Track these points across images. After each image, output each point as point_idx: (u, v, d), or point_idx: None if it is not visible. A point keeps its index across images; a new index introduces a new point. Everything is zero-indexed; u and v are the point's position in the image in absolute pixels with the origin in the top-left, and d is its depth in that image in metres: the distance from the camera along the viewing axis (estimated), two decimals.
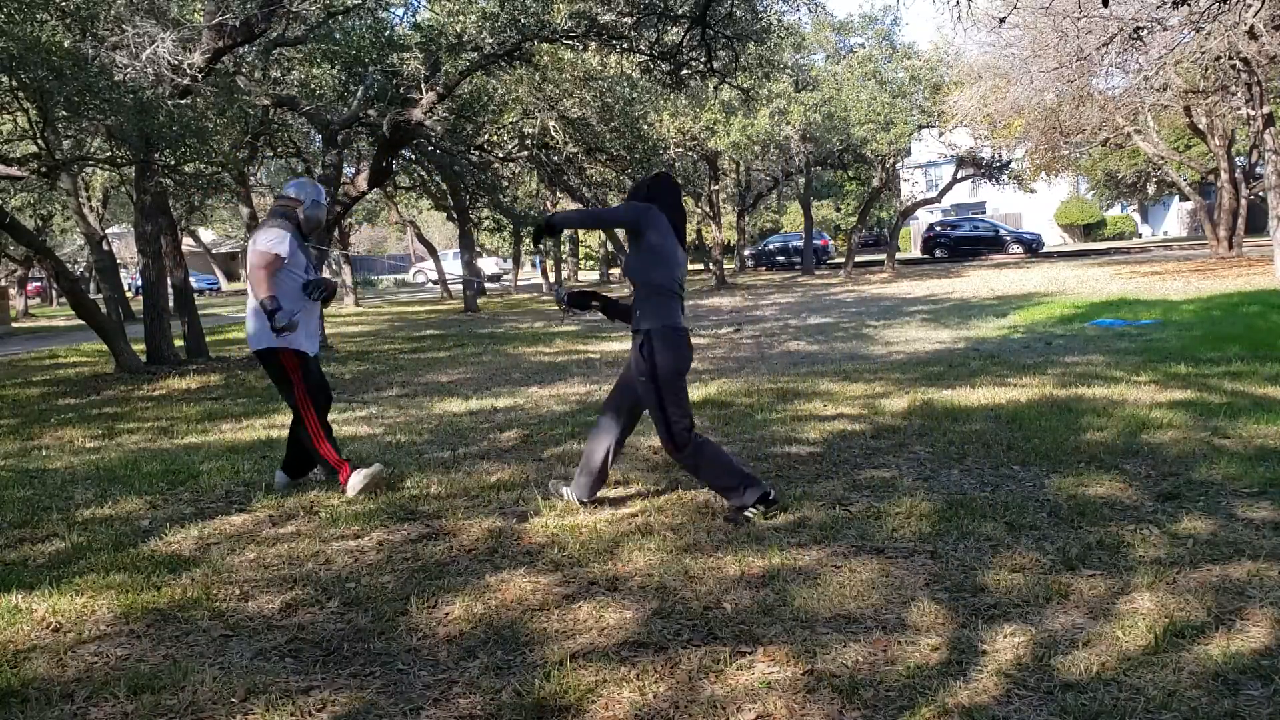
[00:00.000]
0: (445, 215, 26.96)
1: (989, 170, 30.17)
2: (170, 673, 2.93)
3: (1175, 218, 46.12)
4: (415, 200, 32.23)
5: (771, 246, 40.85)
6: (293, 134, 18.65)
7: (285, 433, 7.13)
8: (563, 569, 3.72)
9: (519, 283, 37.57)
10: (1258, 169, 25.18)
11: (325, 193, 5.21)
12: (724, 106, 22.86)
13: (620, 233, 29.12)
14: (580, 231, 40.39)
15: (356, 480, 4.94)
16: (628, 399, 4.44)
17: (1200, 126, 23.36)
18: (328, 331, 15.62)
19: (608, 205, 28.66)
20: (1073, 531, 3.87)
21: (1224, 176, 23.15)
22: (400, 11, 32.96)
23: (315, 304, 5.10)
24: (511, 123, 16.91)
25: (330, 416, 7.90)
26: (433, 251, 33.33)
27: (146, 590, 3.64)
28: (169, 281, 13.18)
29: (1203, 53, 15.91)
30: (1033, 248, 35.46)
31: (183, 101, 10.26)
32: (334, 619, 3.35)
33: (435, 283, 35.32)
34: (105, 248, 16.11)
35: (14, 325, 25.84)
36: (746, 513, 4.18)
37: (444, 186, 23.20)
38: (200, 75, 10.22)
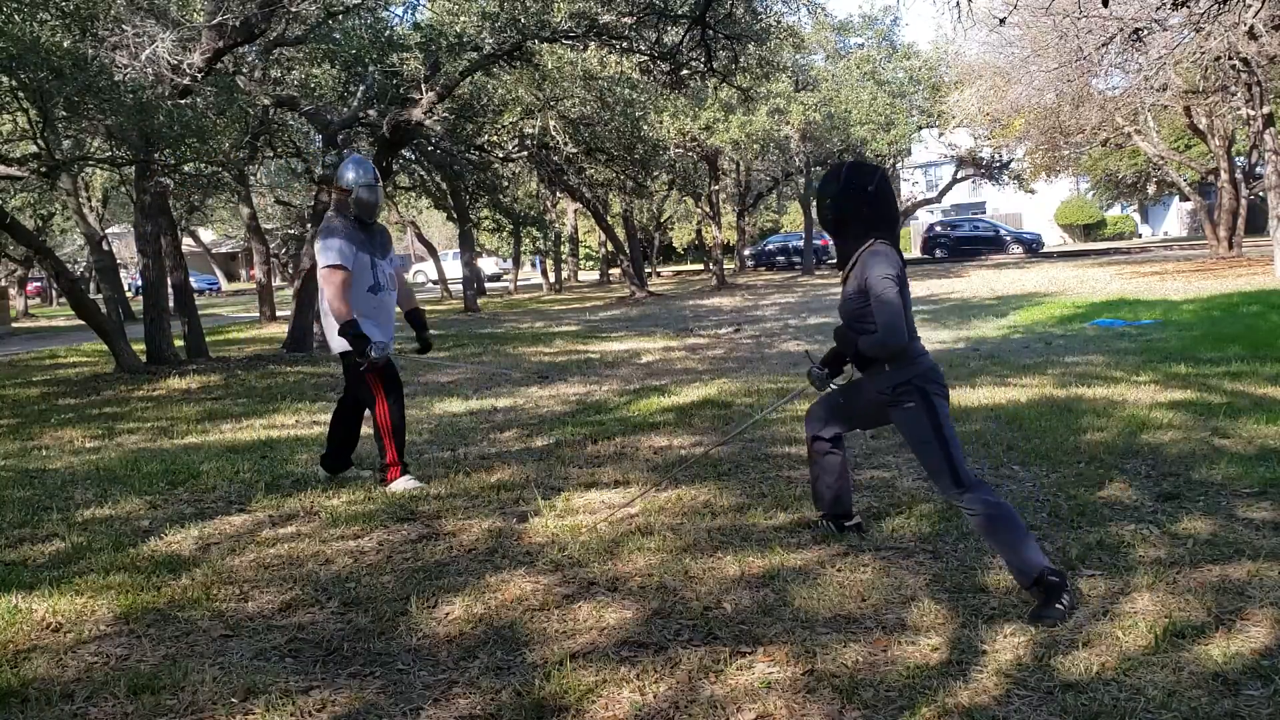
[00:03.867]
0: (445, 215, 26.97)
1: (989, 170, 30.20)
2: (170, 673, 2.93)
3: (1175, 218, 46.12)
4: (415, 200, 32.24)
5: (771, 246, 40.82)
6: (293, 134, 18.65)
7: (285, 433, 7.15)
8: (563, 569, 3.72)
9: (519, 282, 37.56)
10: (1258, 169, 25.17)
11: (370, 165, 5.14)
12: (722, 105, 22.87)
13: (620, 232, 29.15)
14: (580, 231, 40.44)
15: (403, 483, 4.99)
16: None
17: (1200, 126, 23.36)
18: None
19: (608, 205, 28.69)
20: (1073, 531, 3.87)
21: (1224, 176, 23.14)
22: (400, 11, 32.97)
23: (388, 297, 5.10)
24: (511, 123, 16.91)
25: (330, 416, 7.91)
26: (432, 251, 33.32)
27: (146, 590, 3.64)
28: (169, 281, 13.18)
29: (1203, 53, 15.91)
30: (1033, 248, 35.45)
31: (183, 101, 10.26)
32: (334, 619, 3.35)
33: (435, 282, 35.32)
34: (105, 248, 16.11)
35: (14, 325, 25.83)
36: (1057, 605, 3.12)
37: (444, 186, 23.19)
38: (200, 75, 10.21)
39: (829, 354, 3.87)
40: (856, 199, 3.52)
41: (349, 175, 5.03)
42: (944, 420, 3.45)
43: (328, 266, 4.87)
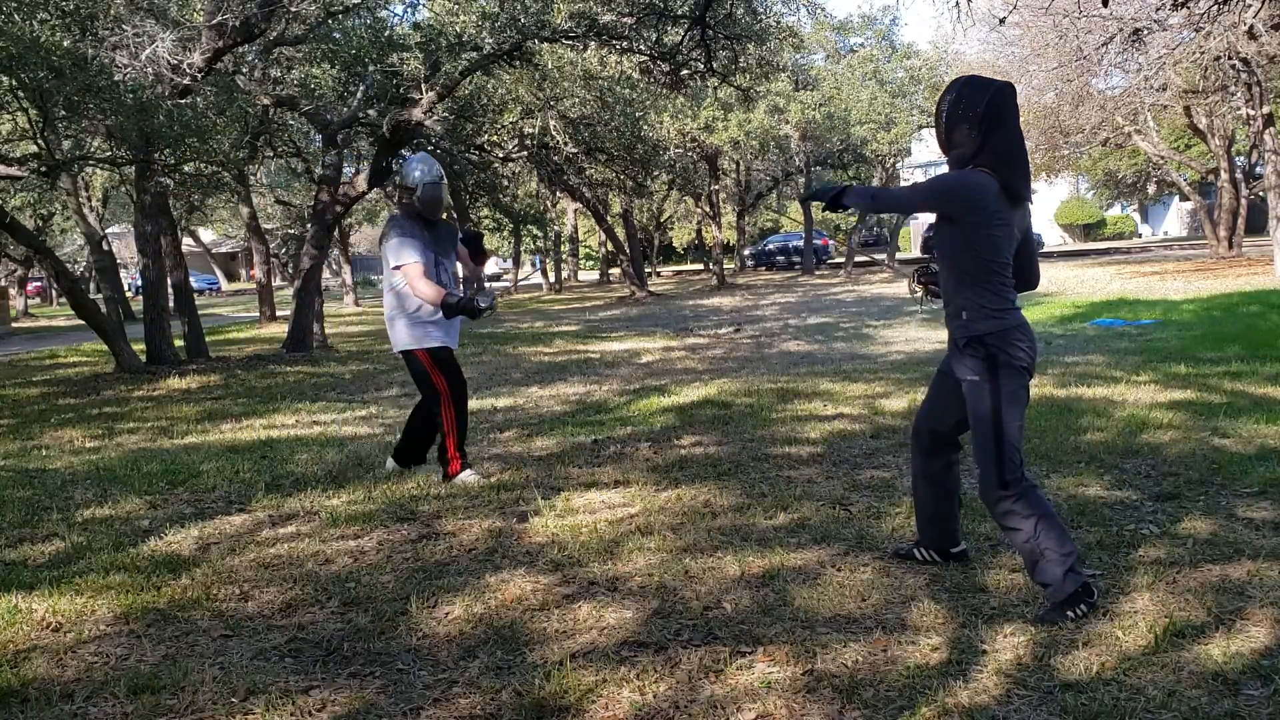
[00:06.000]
0: (445, 215, 27.02)
1: None
2: (170, 673, 2.93)
3: (1175, 218, 46.11)
4: None
5: (771, 246, 40.83)
6: (293, 134, 18.65)
7: (285, 433, 7.15)
8: (563, 569, 3.72)
9: (519, 282, 37.55)
10: (1258, 169, 25.18)
11: (434, 163, 5.15)
12: (721, 105, 22.89)
13: (620, 232, 29.16)
14: (580, 231, 40.43)
15: (466, 476, 5.05)
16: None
17: (1200, 126, 23.36)
18: (328, 331, 15.62)
19: (608, 205, 28.66)
20: (1073, 531, 3.86)
21: (1224, 176, 23.15)
22: (400, 11, 32.95)
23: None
24: (511, 123, 16.91)
25: (330, 416, 7.92)
26: None
27: (146, 590, 3.64)
28: (169, 281, 13.18)
29: (1202, 53, 15.91)
30: None
31: (183, 101, 10.26)
32: (334, 619, 3.35)
33: None
34: (105, 248, 16.10)
35: (14, 325, 25.84)
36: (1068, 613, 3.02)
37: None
38: (200, 75, 10.21)
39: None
40: (963, 116, 3.05)
41: (415, 174, 5.04)
42: (1006, 400, 3.01)
43: (401, 264, 4.90)
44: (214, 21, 10.26)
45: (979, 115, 3.02)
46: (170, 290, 13.25)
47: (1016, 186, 3.04)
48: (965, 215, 3.04)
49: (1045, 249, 36.52)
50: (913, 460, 3.55)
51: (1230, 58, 16.43)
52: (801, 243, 35.35)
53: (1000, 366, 3.02)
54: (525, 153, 18.21)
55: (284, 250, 36.73)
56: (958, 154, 3.09)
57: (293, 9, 10.97)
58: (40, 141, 10.79)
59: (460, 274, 5.33)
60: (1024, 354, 3.06)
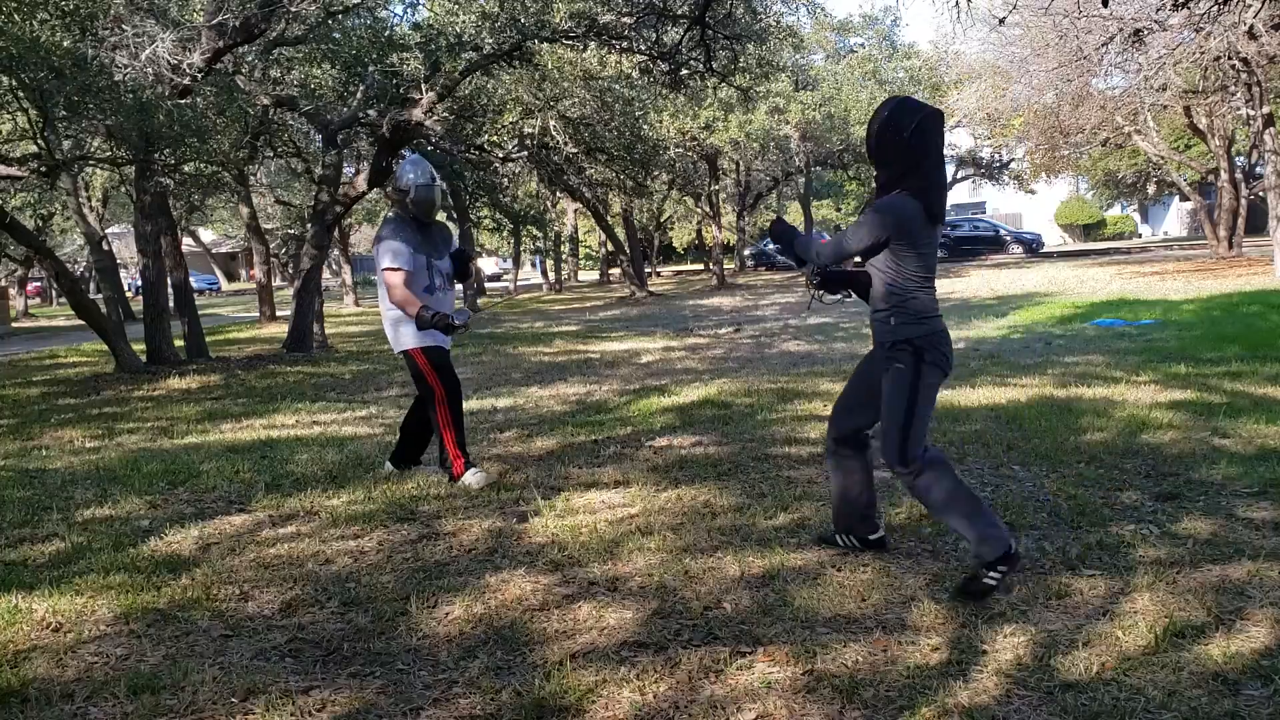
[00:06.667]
0: (445, 215, 27.03)
1: (989, 170, 30.19)
2: (170, 673, 2.93)
3: (1175, 218, 46.10)
4: None
5: (772, 246, 40.79)
6: (293, 134, 18.65)
7: (285, 433, 7.15)
8: (563, 569, 3.72)
9: (519, 282, 37.55)
10: (1258, 169, 25.17)
11: (428, 166, 5.18)
12: (721, 105, 22.88)
13: (621, 232, 29.14)
14: (580, 231, 40.41)
15: (470, 476, 5.04)
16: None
17: (1200, 126, 23.35)
18: (328, 331, 15.63)
19: (608, 205, 28.66)
20: (1073, 531, 3.87)
21: (1224, 176, 23.14)
22: (400, 11, 32.95)
23: (444, 296, 5.15)
24: (511, 123, 16.90)
25: (330, 416, 7.92)
26: None
27: (146, 590, 3.64)
28: (169, 281, 13.18)
29: (1202, 53, 15.91)
30: (1033, 248, 35.43)
31: (183, 101, 10.26)
32: (334, 619, 3.35)
33: None
34: (105, 248, 16.08)
35: (14, 325, 25.84)
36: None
37: (444, 186, 23.16)
38: (200, 75, 10.21)
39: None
40: (894, 139, 3.29)
41: (407, 176, 5.07)
42: (924, 390, 3.35)
43: (387, 268, 4.95)
44: (214, 21, 10.26)
45: (905, 140, 3.28)
46: (170, 290, 13.25)
47: (937, 209, 3.35)
48: (898, 238, 3.31)
49: (1045, 249, 36.53)
50: (827, 453, 3.79)
51: (1230, 58, 16.43)
52: None
53: (925, 364, 3.35)
54: (525, 153, 18.20)
55: (284, 250, 36.73)
56: (888, 174, 3.36)
57: (293, 9, 10.96)
58: (40, 141, 10.80)
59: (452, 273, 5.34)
60: (944, 356, 3.41)
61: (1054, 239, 45.40)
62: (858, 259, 3.50)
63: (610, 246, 34.91)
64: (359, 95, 12.62)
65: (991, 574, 3.23)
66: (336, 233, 23.05)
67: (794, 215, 44.86)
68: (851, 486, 3.69)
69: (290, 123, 17.03)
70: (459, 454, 5.11)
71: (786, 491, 4.63)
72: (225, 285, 49.67)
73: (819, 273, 3.65)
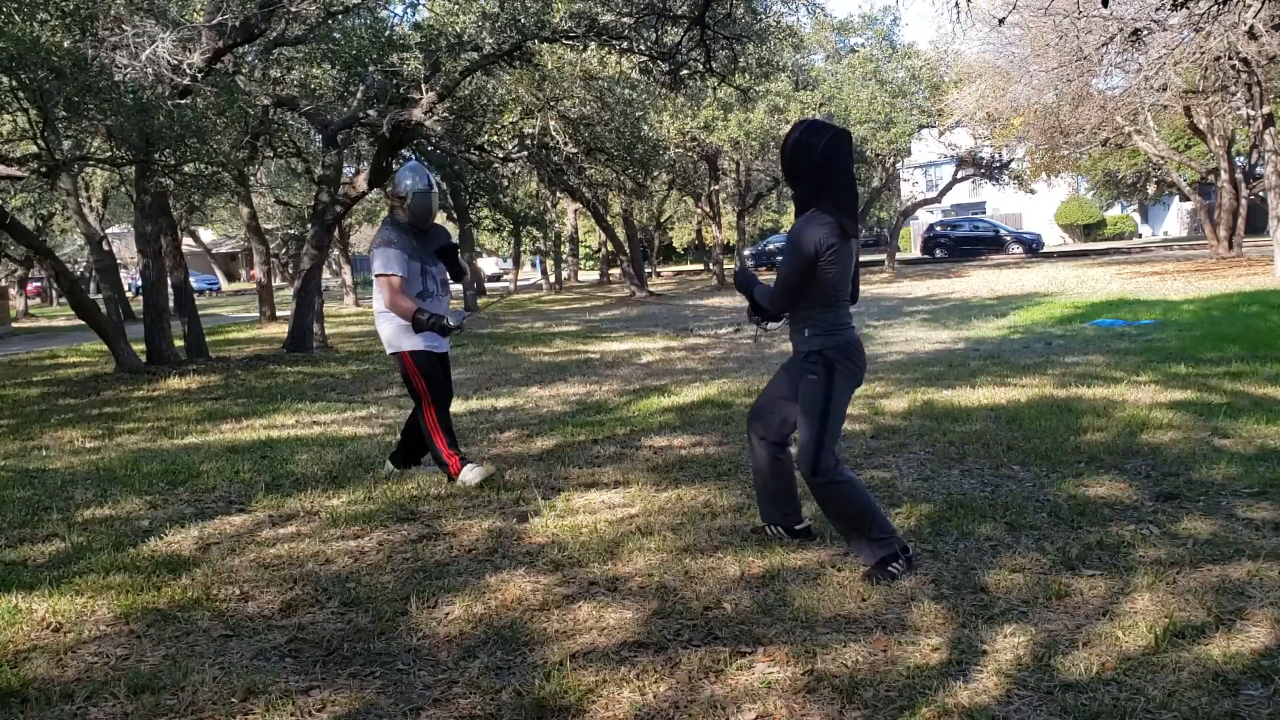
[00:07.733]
0: (445, 215, 27.05)
1: (989, 170, 30.15)
2: (170, 673, 2.93)
3: (1175, 218, 46.09)
4: None
5: (771, 246, 40.77)
6: (293, 134, 18.65)
7: (285, 433, 7.15)
8: (563, 569, 3.72)
9: (519, 282, 37.56)
10: (1258, 169, 25.17)
11: (425, 173, 5.20)
12: (721, 104, 22.88)
13: (621, 232, 29.12)
14: (580, 231, 40.41)
15: (468, 473, 5.03)
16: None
17: (1200, 126, 23.35)
18: (328, 331, 15.62)
19: (608, 205, 28.66)
20: (1073, 531, 3.87)
21: (1224, 176, 23.14)
22: (400, 11, 32.95)
23: (440, 301, 5.15)
24: (511, 123, 16.90)
25: (330, 416, 7.92)
26: None
27: (146, 590, 3.64)
28: (169, 281, 13.18)
29: (1202, 53, 15.91)
30: (1033, 248, 35.44)
31: (183, 101, 10.25)
32: (334, 619, 3.35)
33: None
34: (105, 248, 16.09)
35: (14, 325, 25.84)
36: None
37: (443, 186, 23.17)
38: (200, 75, 10.21)
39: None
40: (805, 159, 3.49)
41: (405, 182, 5.09)
42: (836, 399, 3.50)
43: (382, 277, 4.98)
44: (214, 22, 10.26)
45: (814, 160, 3.46)
46: (170, 290, 13.24)
47: (848, 224, 3.51)
48: (816, 256, 3.47)
49: (1045, 249, 36.53)
50: (750, 449, 3.93)
51: (1230, 58, 16.43)
52: None
53: (836, 374, 3.52)
54: (525, 153, 18.19)
55: (284, 250, 36.71)
56: (803, 193, 3.53)
57: (293, 9, 10.96)
58: (40, 141, 10.79)
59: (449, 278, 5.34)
60: (855, 366, 3.59)
61: (1054, 239, 45.39)
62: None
63: (610, 246, 34.92)
64: (359, 95, 12.62)
65: (894, 565, 3.45)
66: (336, 233, 23.05)
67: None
68: (774, 476, 3.86)
69: (290, 123, 17.04)
70: (452, 453, 5.11)
71: None
72: (225, 285, 49.67)
73: (754, 306, 3.81)
